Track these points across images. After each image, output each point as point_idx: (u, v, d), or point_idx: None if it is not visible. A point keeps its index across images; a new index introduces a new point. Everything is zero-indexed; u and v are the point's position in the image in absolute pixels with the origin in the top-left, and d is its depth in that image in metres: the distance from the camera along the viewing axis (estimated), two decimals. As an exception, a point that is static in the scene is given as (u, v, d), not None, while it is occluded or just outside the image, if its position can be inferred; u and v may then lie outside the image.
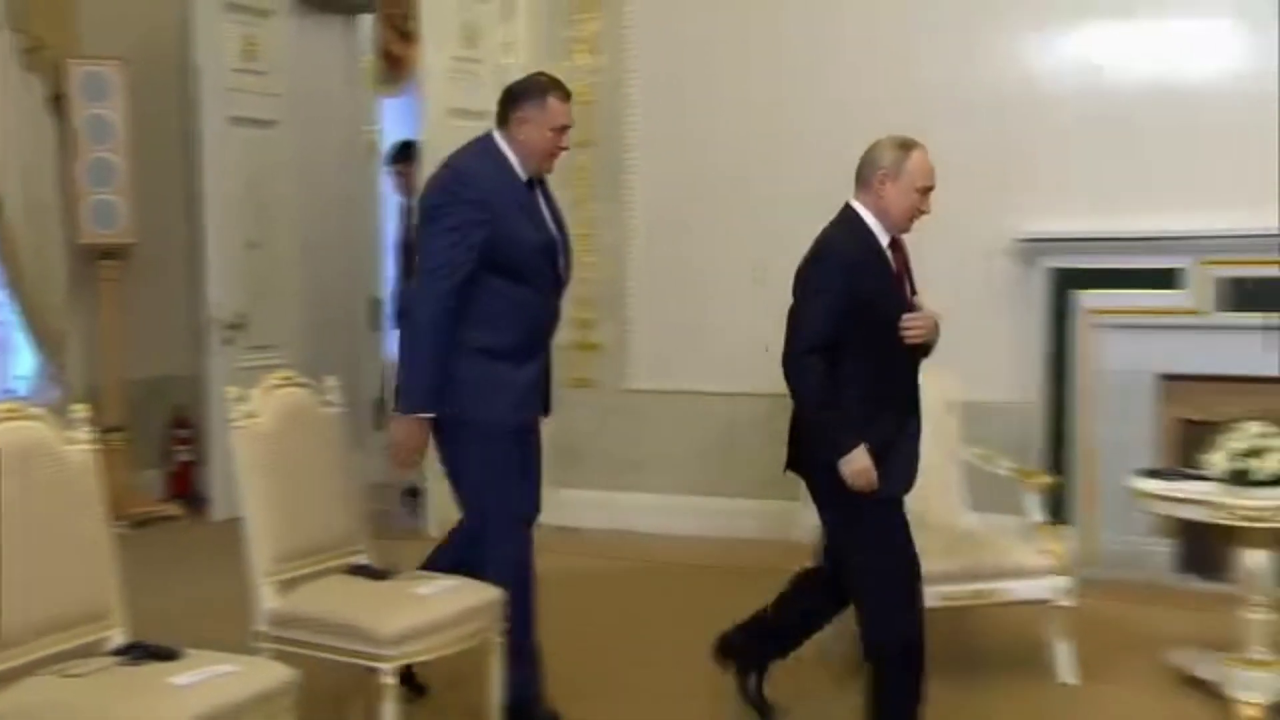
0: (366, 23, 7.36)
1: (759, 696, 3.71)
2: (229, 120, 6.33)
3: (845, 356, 3.27)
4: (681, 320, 6.00)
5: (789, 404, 3.37)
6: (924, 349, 3.42)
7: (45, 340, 5.95)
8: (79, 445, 2.88)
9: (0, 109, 5.71)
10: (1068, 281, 5.20)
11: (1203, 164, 5.03)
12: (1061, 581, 3.94)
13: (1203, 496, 3.72)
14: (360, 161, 7.36)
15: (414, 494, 6.09)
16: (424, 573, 3.51)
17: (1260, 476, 3.66)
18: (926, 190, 3.34)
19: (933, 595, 3.57)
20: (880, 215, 3.35)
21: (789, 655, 3.73)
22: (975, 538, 4.11)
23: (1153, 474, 4.03)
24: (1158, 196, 5.05)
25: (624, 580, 5.24)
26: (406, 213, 6.22)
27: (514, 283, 3.49)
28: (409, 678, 3.60)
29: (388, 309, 7.01)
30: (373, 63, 7.34)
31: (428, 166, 5.84)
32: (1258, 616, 3.74)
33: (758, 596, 3.72)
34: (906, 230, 3.40)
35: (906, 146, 3.35)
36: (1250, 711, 3.64)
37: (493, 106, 3.64)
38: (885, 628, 3.34)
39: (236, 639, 3.12)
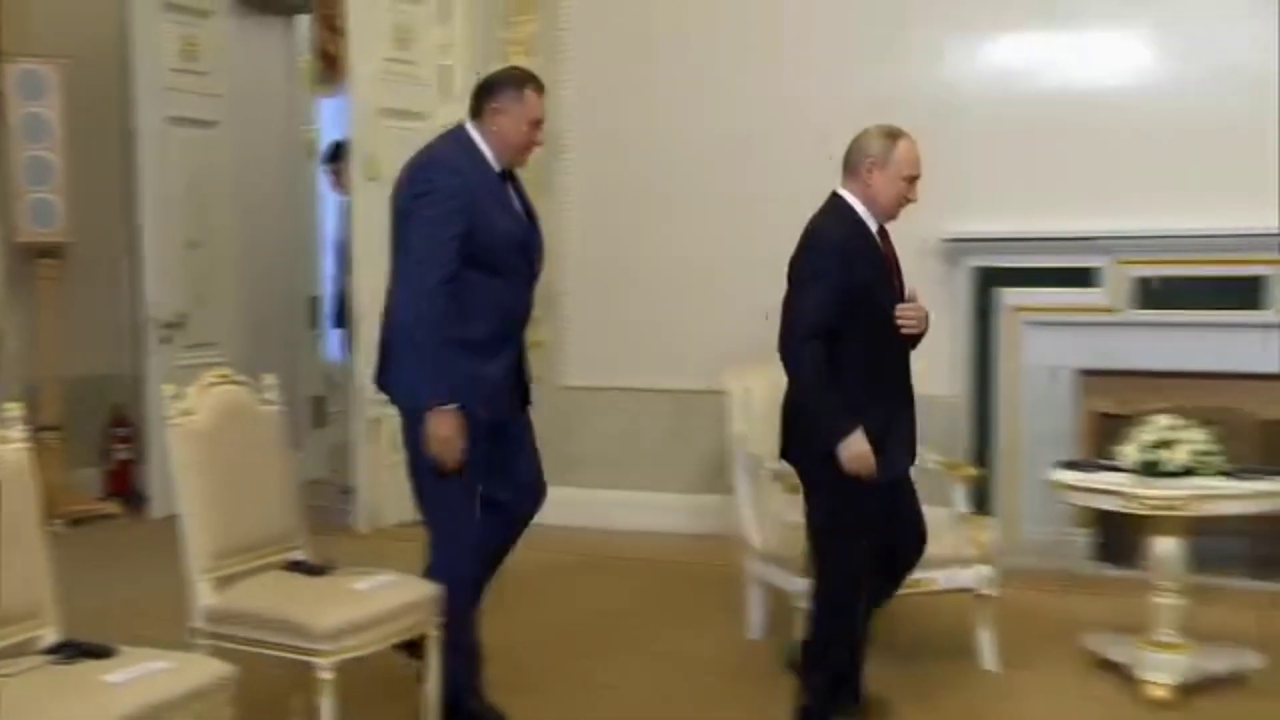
0: (305, 23, 7.38)
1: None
2: (168, 120, 6.32)
3: (840, 344, 3.30)
4: (618, 319, 6.07)
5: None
6: (915, 339, 3.48)
7: (-19, 339, 5.93)
8: (13, 444, 2.85)
9: (-65, 108, 5.69)
10: (991, 280, 5.30)
11: (1119, 167, 5.16)
12: (985, 571, 4.02)
13: (1116, 487, 3.83)
14: (299, 160, 7.38)
15: (346, 492, 6.13)
16: (362, 568, 3.49)
17: (1170, 467, 3.78)
18: (913, 179, 3.40)
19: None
20: (869, 203, 3.39)
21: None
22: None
23: (1070, 466, 4.12)
24: (1077, 198, 5.18)
25: (564, 575, 5.28)
26: (346, 211, 6.25)
27: (488, 275, 3.44)
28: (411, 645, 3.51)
29: (326, 307, 7.03)
30: (310, 63, 7.36)
31: (355, 166, 5.93)
32: (1167, 601, 3.86)
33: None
34: (894, 218, 3.45)
35: (894, 135, 3.40)
36: (1158, 692, 3.77)
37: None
38: (834, 618, 3.43)
39: (174, 636, 3.11)
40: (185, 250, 6.44)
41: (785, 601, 4.11)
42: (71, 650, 2.73)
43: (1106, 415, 5.19)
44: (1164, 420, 3.89)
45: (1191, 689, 3.79)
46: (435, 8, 6.16)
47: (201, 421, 3.31)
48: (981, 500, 4.92)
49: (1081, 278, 5.20)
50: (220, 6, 6.62)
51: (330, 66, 7.02)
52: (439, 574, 3.47)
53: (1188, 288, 5.05)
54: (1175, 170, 5.07)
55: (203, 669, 2.79)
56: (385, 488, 5.87)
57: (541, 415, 6.69)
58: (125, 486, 6.63)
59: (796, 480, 3.89)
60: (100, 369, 6.56)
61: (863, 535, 3.44)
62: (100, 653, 2.72)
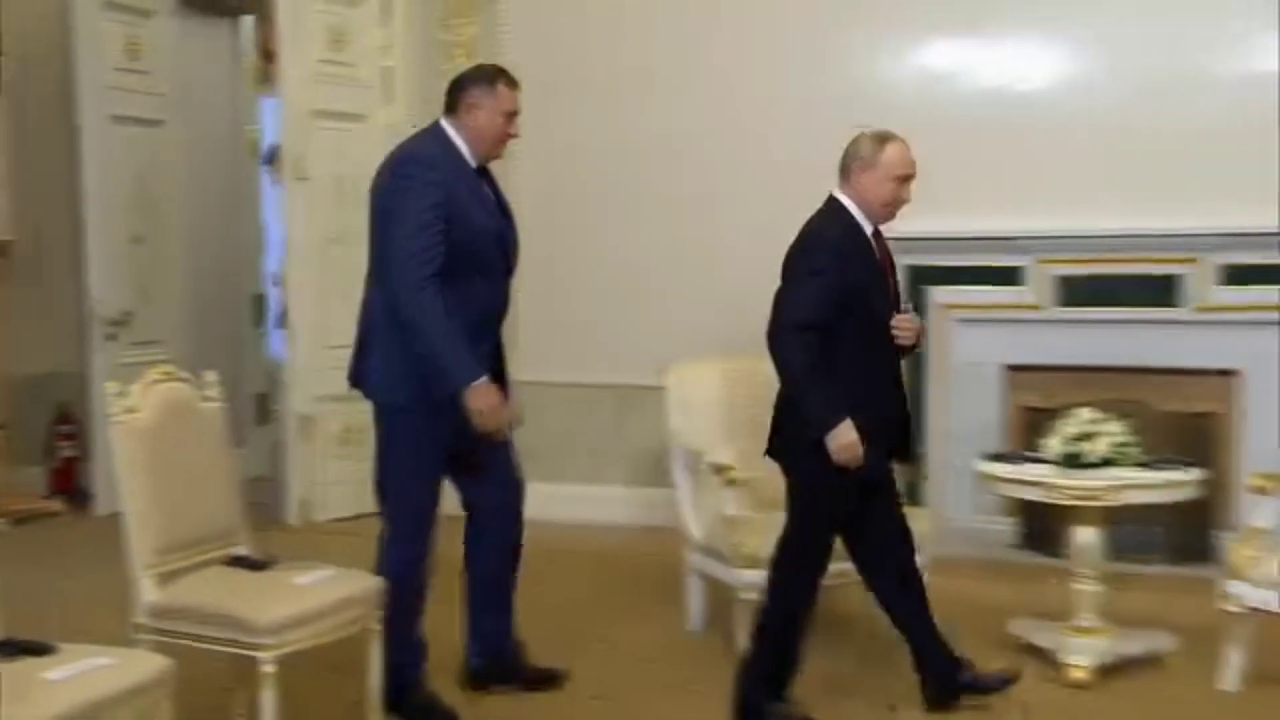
0: (249, 23, 7.38)
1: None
2: (112, 118, 6.32)
3: (832, 343, 3.35)
4: (563, 316, 6.14)
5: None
6: (906, 349, 3.57)
7: (-77, 339, 5.90)
8: (-43, 444, 2.90)
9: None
10: (923, 278, 5.38)
11: (1043, 168, 5.29)
12: (917, 559, 4.12)
13: (1039, 478, 3.94)
14: (243, 159, 7.40)
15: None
16: (303, 562, 3.53)
17: (1090, 459, 3.91)
18: (906, 179, 3.46)
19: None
20: (861, 205, 3.46)
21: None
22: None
23: (997, 457, 4.24)
24: (1004, 199, 5.30)
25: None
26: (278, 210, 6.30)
27: (466, 270, 3.46)
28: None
29: (271, 306, 7.06)
30: (254, 63, 7.37)
31: (286, 166, 5.97)
32: (1087, 588, 3.99)
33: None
34: (888, 219, 3.53)
35: (884, 139, 3.48)
36: (1079, 674, 3.90)
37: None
38: (783, 603, 3.51)
39: (118, 633, 3.13)
40: (130, 247, 6.45)
41: (724, 593, 4.21)
42: (11, 648, 2.71)
43: (1032, 409, 5.32)
44: (1085, 414, 4.00)
45: (1110, 670, 3.92)
46: (376, 10, 6.20)
47: (145, 419, 3.33)
48: (912, 491, 5.03)
49: (1008, 276, 5.34)
50: (163, 7, 6.62)
51: (273, 66, 7.03)
52: (393, 568, 3.52)
53: (1107, 286, 5.19)
54: (1095, 172, 5.22)
55: (143, 665, 2.80)
56: (319, 485, 5.95)
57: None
58: (70, 484, 6.61)
59: (734, 474, 4.00)
60: (45, 366, 6.55)
61: (832, 532, 3.54)
62: (41, 650, 2.71)
